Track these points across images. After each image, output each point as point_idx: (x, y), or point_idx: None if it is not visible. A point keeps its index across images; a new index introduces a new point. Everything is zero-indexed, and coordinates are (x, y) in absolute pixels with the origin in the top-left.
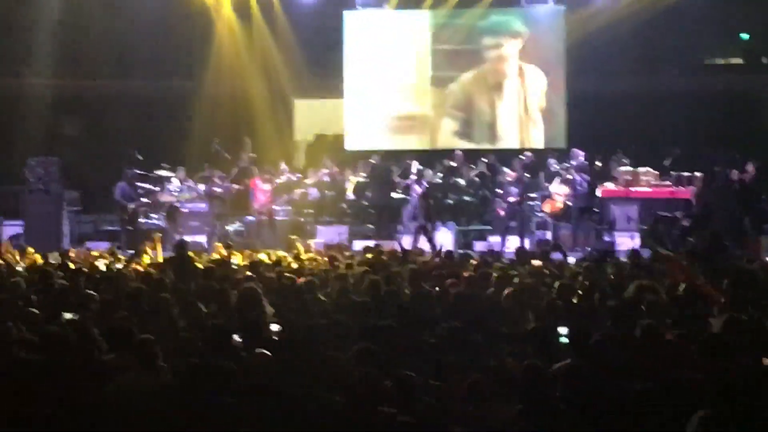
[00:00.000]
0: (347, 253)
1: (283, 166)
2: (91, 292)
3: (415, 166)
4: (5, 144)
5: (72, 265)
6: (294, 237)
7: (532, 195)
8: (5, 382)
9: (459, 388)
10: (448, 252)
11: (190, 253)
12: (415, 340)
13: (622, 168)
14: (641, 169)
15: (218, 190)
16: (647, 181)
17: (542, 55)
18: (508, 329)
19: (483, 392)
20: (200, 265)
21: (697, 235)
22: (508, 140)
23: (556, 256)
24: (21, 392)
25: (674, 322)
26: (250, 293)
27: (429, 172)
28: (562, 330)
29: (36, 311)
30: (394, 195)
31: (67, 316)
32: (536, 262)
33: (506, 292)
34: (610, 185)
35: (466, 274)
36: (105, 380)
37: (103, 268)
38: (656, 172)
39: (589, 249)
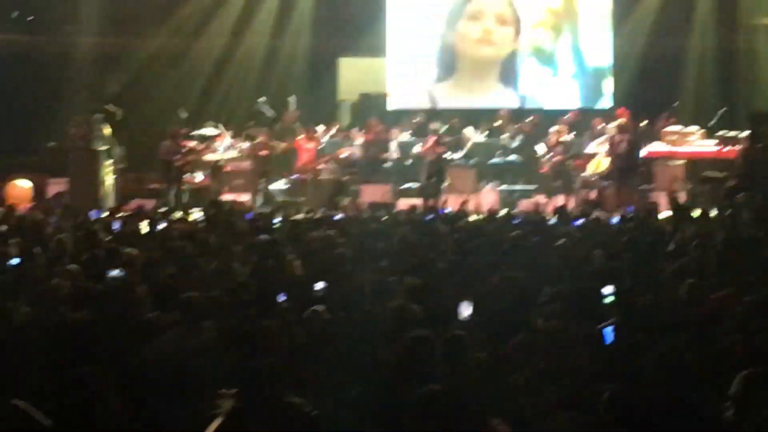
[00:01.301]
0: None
1: (328, 125)
2: (135, 250)
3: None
4: (50, 102)
5: (116, 223)
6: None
7: (577, 154)
8: (51, 339)
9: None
10: (493, 211)
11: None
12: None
13: (668, 127)
14: (687, 129)
15: (262, 149)
16: (693, 141)
17: (588, 13)
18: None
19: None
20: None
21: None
22: (553, 99)
23: (600, 215)
24: (66, 349)
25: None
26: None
27: (471, 131)
28: (607, 290)
29: (81, 269)
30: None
31: (113, 273)
32: (578, 222)
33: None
34: (655, 145)
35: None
36: (149, 338)
37: (147, 227)
38: (702, 131)
39: (633, 208)
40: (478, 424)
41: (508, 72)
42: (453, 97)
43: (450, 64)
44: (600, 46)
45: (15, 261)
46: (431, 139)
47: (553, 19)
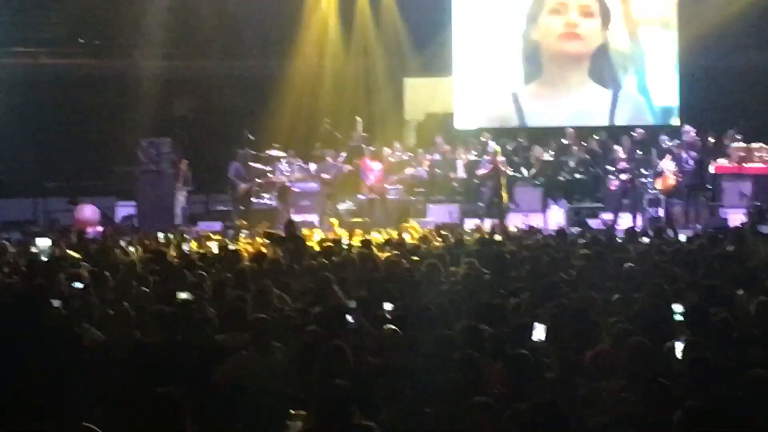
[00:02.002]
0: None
1: (395, 145)
2: (204, 272)
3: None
4: (118, 125)
5: (185, 246)
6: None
7: (644, 172)
8: (122, 361)
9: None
10: (561, 230)
11: (304, 232)
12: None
13: (735, 144)
14: (755, 145)
15: (329, 170)
16: (761, 157)
17: (655, 30)
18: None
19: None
20: (313, 245)
21: None
22: (619, 117)
23: (669, 233)
24: (137, 372)
25: None
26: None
27: (539, 150)
28: (677, 308)
29: (151, 291)
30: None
31: (182, 296)
32: (646, 240)
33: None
34: (723, 161)
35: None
36: (219, 360)
37: (215, 248)
38: None
39: (702, 226)
40: None
41: (598, 67)
42: (541, 99)
43: (536, 63)
44: (666, 62)
45: (79, 285)
46: (491, 160)
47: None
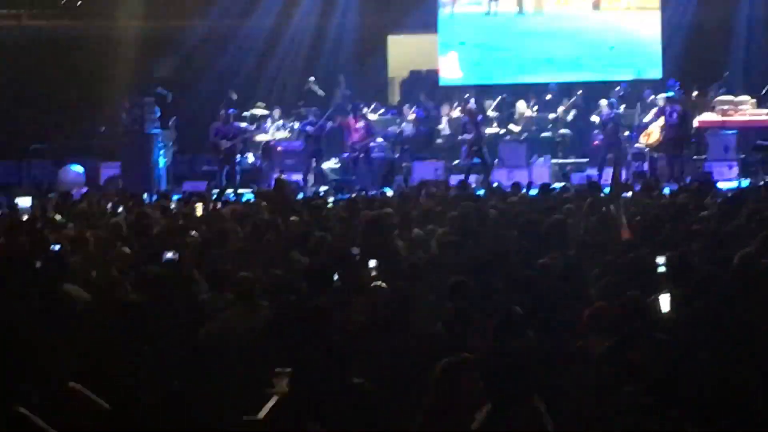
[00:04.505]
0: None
1: (378, 103)
2: (190, 232)
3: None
4: (100, 88)
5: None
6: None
7: (629, 126)
8: (107, 322)
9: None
10: (545, 185)
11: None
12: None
13: (720, 97)
14: (739, 98)
15: (313, 128)
16: (745, 110)
17: None
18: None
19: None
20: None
21: None
22: (602, 71)
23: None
24: (122, 332)
25: None
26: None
27: (523, 105)
28: (660, 259)
29: (136, 252)
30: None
31: (168, 255)
32: (626, 194)
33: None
34: (707, 115)
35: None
36: (204, 319)
37: (200, 210)
38: (754, 101)
39: (687, 179)
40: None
41: None
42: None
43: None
44: (649, 16)
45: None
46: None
47: None
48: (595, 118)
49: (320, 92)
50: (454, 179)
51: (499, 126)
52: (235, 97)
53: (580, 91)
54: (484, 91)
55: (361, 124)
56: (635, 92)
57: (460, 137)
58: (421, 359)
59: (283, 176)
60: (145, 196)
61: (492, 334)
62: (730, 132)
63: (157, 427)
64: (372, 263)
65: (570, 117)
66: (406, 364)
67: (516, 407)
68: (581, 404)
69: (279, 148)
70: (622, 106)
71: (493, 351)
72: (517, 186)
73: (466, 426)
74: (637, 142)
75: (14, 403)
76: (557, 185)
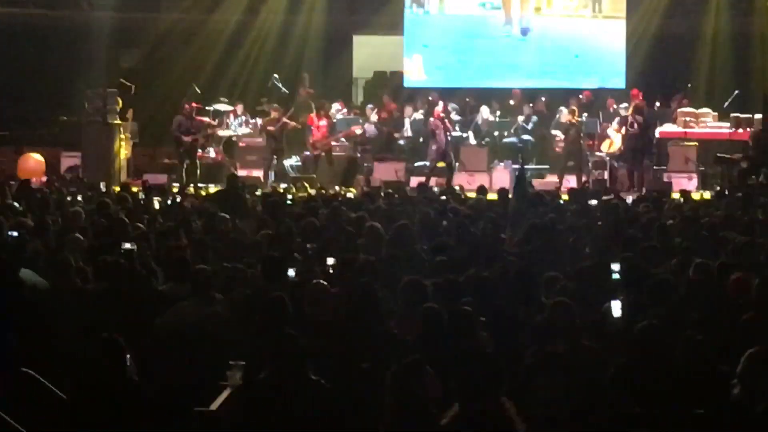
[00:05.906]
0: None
1: (341, 102)
2: (149, 223)
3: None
4: (64, 76)
5: (130, 197)
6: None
7: (591, 134)
8: (64, 309)
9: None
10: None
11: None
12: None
13: (682, 109)
14: (700, 110)
15: (276, 126)
16: (706, 122)
17: None
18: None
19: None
20: (249, 197)
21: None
22: (566, 79)
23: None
24: (79, 320)
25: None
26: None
27: (486, 111)
28: (615, 266)
29: (94, 241)
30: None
31: (126, 246)
32: (591, 202)
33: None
34: (669, 126)
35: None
36: (161, 309)
37: (157, 204)
38: (715, 114)
39: (646, 189)
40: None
41: None
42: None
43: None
44: (614, 27)
45: (21, 233)
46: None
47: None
48: (557, 126)
49: (284, 90)
50: (414, 181)
51: (461, 130)
52: (198, 91)
53: (543, 98)
54: (447, 94)
55: (323, 122)
56: (598, 101)
57: (431, 141)
58: (380, 358)
59: (236, 172)
60: (104, 186)
61: (444, 332)
62: (691, 143)
63: (110, 415)
64: (330, 261)
65: (531, 124)
66: (365, 363)
67: (482, 408)
68: (553, 407)
69: (241, 144)
70: (584, 114)
71: (450, 350)
72: (482, 189)
73: (432, 426)
74: (598, 150)
75: None
76: None
